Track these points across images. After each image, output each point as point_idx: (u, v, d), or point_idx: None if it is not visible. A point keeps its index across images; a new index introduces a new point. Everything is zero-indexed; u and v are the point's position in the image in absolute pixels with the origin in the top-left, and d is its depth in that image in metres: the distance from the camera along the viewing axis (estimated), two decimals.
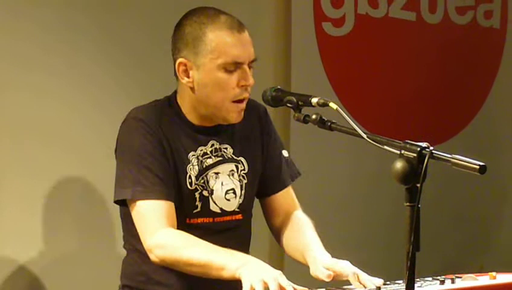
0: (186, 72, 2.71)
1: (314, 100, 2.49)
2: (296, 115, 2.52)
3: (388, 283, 2.44)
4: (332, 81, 4.36)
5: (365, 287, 2.47)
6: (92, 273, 3.51)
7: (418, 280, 2.41)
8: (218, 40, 2.67)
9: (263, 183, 2.91)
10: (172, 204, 2.66)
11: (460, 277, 2.54)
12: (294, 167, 2.98)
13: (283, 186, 2.94)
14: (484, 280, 2.54)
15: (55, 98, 3.58)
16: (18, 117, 3.50)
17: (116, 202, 2.74)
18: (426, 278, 2.50)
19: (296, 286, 2.38)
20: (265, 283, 2.36)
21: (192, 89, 2.71)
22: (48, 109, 3.56)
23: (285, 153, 2.96)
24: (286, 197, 2.94)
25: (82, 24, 3.63)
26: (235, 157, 2.82)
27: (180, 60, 2.71)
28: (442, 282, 2.46)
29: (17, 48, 3.49)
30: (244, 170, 2.83)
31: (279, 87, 2.68)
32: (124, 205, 2.73)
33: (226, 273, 2.49)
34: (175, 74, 2.76)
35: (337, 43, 4.39)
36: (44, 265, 3.54)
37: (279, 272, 2.42)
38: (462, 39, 4.79)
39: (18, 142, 3.50)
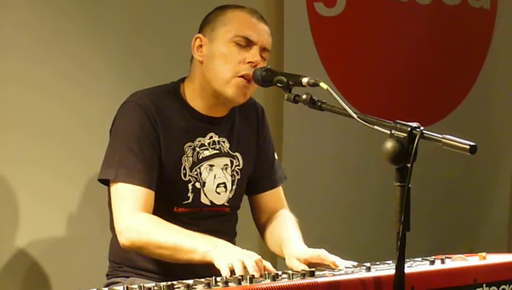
0: (200, 48, 2.77)
1: (304, 80, 2.49)
2: (287, 95, 2.52)
3: (378, 263, 2.44)
4: (324, 61, 4.35)
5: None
6: (88, 255, 3.51)
7: (408, 260, 2.42)
8: (236, 17, 2.76)
9: (255, 180, 2.95)
10: (152, 193, 2.68)
11: (450, 258, 2.55)
12: (282, 170, 3.03)
13: (274, 185, 2.98)
14: (474, 260, 2.55)
15: (51, 91, 3.55)
16: (10, 109, 3.47)
17: (100, 181, 2.75)
18: (416, 259, 2.51)
19: (271, 268, 2.38)
20: (242, 263, 2.36)
21: (201, 63, 2.76)
22: (40, 99, 3.54)
23: (275, 155, 3.01)
24: (275, 196, 2.98)
25: (75, 14, 3.59)
26: (231, 152, 2.85)
27: (197, 35, 2.79)
28: (432, 262, 2.47)
29: (10, 38, 3.47)
30: (238, 165, 2.86)
31: (269, 67, 2.70)
32: (107, 184, 2.74)
33: (197, 257, 2.50)
34: (192, 57, 2.80)
35: (329, 23, 4.37)
36: (43, 249, 3.55)
37: (253, 252, 2.42)
38: (452, 20, 4.79)
39: (14, 134, 3.48)
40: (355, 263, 2.49)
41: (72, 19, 3.59)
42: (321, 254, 2.56)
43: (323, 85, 2.41)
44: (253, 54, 2.70)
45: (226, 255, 2.42)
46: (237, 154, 2.86)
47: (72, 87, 3.59)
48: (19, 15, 3.47)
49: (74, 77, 3.59)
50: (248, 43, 2.72)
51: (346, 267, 2.43)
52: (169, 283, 2.14)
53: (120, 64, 3.71)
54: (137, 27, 3.76)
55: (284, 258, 2.75)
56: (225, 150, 2.83)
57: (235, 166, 2.85)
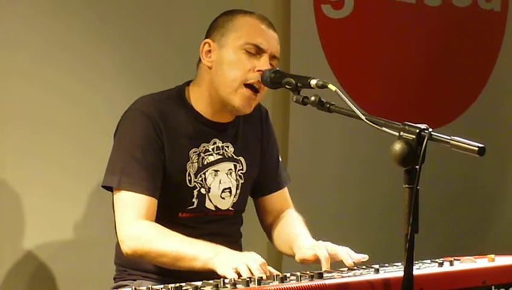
0: (209, 53, 2.75)
1: (313, 82, 2.49)
2: (295, 96, 2.52)
3: (386, 265, 2.44)
4: (332, 63, 4.34)
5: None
6: (96, 257, 3.51)
7: (416, 262, 2.41)
8: (246, 23, 2.74)
9: (259, 183, 2.95)
10: (155, 201, 2.68)
11: (459, 259, 2.54)
12: (286, 172, 3.03)
13: (279, 187, 2.99)
14: (483, 262, 2.54)
15: (56, 87, 3.55)
16: (16, 105, 3.47)
17: (103, 187, 2.75)
18: (425, 261, 2.51)
19: (272, 270, 2.38)
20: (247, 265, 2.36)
21: (210, 68, 2.74)
22: (45, 96, 3.53)
23: (279, 157, 3.01)
24: (281, 197, 2.99)
25: (80, 10, 3.60)
26: (235, 157, 2.85)
27: (206, 40, 2.78)
28: (441, 264, 2.46)
29: (14, 34, 3.46)
30: (242, 169, 2.86)
31: (278, 68, 2.70)
32: (111, 190, 2.74)
33: (199, 264, 2.51)
34: (199, 61, 2.79)
35: (336, 25, 4.37)
36: (51, 250, 3.55)
37: (255, 254, 2.42)
38: (462, 22, 4.77)
39: (19, 131, 3.48)
40: (366, 256, 2.49)
41: (77, 15, 3.59)
42: (322, 249, 2.54)
43: (331, 87, 2.41)
44: (264, 62, 2.70)
45: (228, 261, 2.41)
46: (241, 158, 2.86)
47: (78, 84, 3.58)
48: (22, 11, 3.47)
49: (79, 73, 3.59)
50: (258, 51, 2.71)
51: (356, 268, 2.42)
52: (177, 284, 2.14)
53: (125, 61, 3.70)
54: (142, 23, 3.75)
55: (291, 257, 2.75)
56: (229, 154, 2.83)
57: (238, 170, 2.85)
